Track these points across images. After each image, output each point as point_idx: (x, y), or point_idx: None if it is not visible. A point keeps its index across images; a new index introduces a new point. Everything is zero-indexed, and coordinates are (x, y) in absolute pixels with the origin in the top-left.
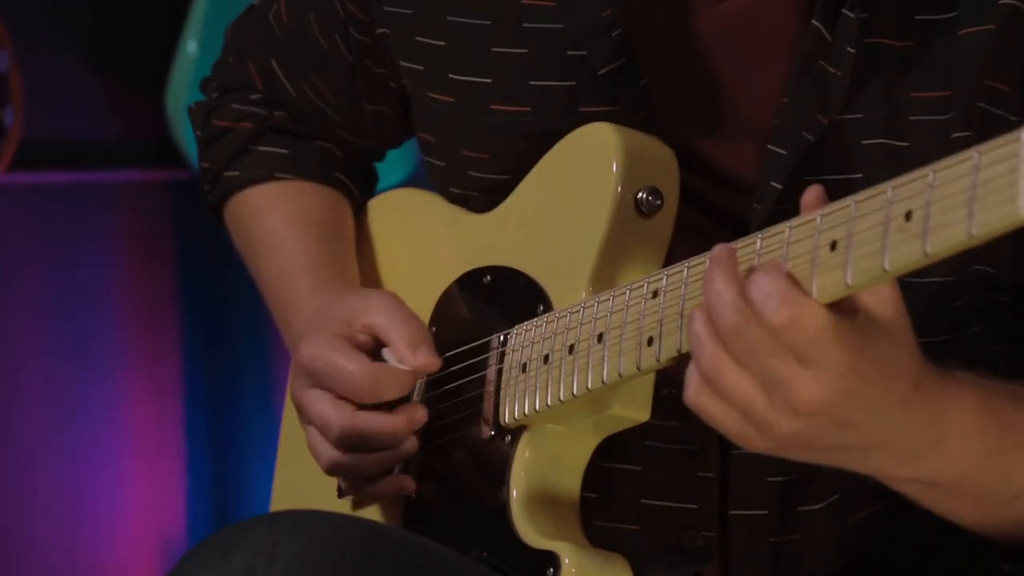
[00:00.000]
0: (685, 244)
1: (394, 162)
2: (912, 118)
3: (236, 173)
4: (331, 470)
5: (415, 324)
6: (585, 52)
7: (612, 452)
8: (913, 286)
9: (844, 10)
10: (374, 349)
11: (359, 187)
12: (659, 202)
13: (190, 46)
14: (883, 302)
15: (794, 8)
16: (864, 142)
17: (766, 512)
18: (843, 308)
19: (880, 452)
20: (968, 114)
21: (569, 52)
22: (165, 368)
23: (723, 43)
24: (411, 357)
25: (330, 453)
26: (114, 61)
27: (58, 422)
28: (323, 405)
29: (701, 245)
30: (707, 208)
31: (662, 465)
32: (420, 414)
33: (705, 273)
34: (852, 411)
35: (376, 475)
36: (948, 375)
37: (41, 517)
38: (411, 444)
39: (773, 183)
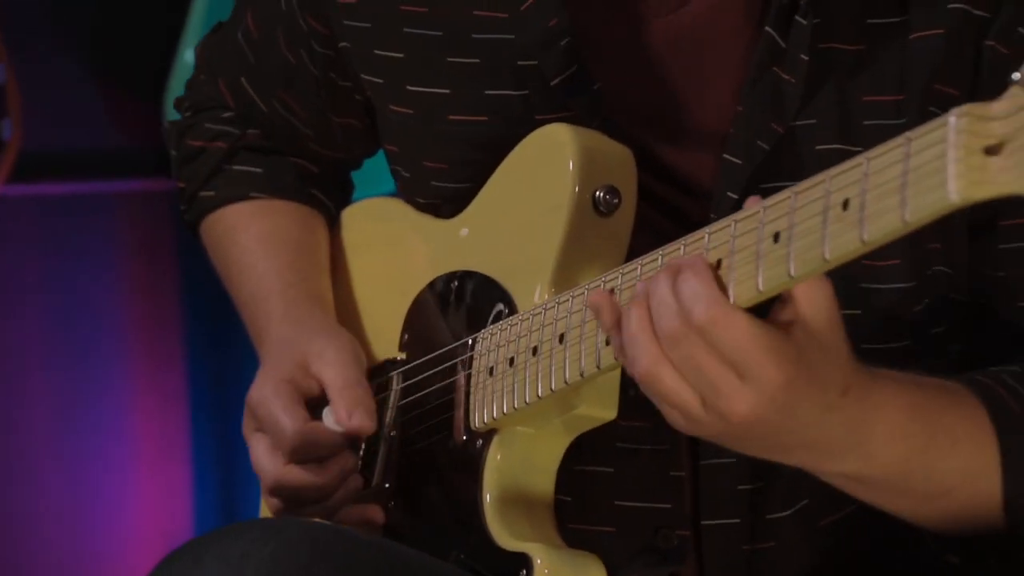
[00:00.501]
0: (646, 244)
1: (384, 172)
2: (866, 122)
3: (211, 193)
4: (276, 515)
5: (357, 387)
6: (536, 62)
7: (584, 454)
8: (873, 292)
9: (797, 16)
10: (320, 399)
11: (334, 201)
12: (617, 200)
13: (188, 55)
14: (817, 308)
15: (747, 16)
16: (818, 148)
17: (738, 520)
18: (780, 319)
19: (804, 451)
20: (920, 118)
21: (520, 62)
22: (169, 375)
23: (677, 52)
24: (345, 420)
25: (272, 500)
26: (112, 71)
27: (64, 431)
28: (260, 453)
29: (661, 242)
30: (667, 211)
31: (634, 466)
32: (351, 464)
33: (653, 276)
34: (781, 419)
35: (328, 513)
36: (878, 377)
37: (48, 525)
38: (354, 484)
39: (729, 193)
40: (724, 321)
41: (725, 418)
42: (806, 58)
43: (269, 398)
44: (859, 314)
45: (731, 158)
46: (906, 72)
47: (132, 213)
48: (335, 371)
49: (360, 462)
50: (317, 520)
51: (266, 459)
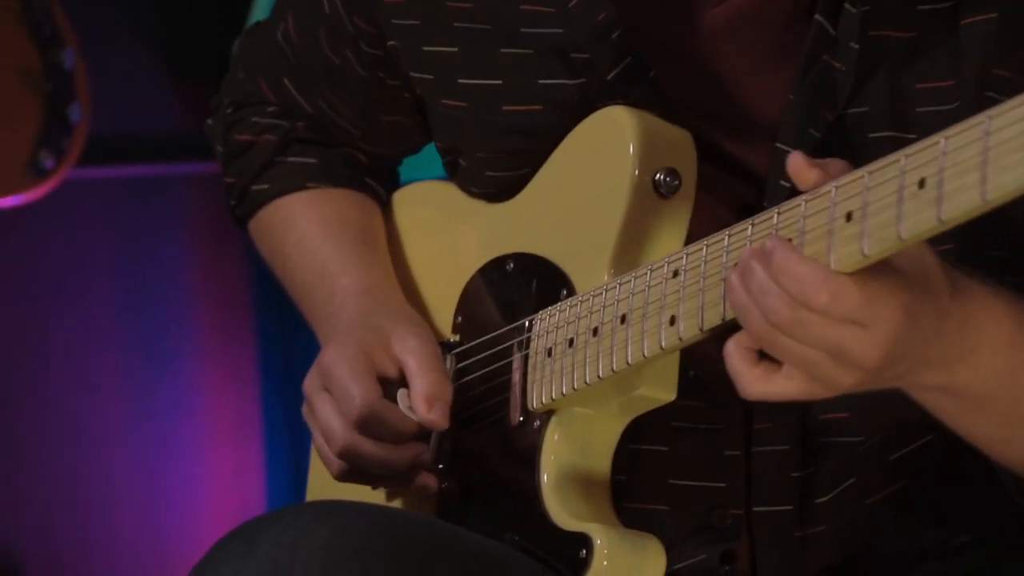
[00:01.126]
0: (703, 228)
1: (426, 160)
2: (919, 109)
3: (265, 186)
4: (339, 478)
5: (440, 380)
6: (589, 55)
7: (639, 433)
8: None
9: (846, 5)
10: (393, 382)
11: (386, 189)
12: (677, 183)
13: None
14: None
15: (797, 4)
16: (871, 135)
17: (790, 508)
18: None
19: (921, 369)
20: (976, 103)
21: (573, 55)
22: (240, 354)
23: (728, 41)
24: (423, 410)
25: (336, 463)
26: (179, 54)
27: (136, 412)
28: (329, 413)
29: (719, 228)
30: (722, 197)
31: (689, 445)
32: (425, 457)
33: (743, 273)
34: (909, 345)
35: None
36: (977, 280)
37: (122, 505)
38: (425, 476)
39: (782, 182)
40: (840, 295)
41: (860, 366)
42: (856, 46)
43: (343, 363)
44: None
45: (783, 147)
46: (959, 57)
47: (201, 195)
48: (417, 359)
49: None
50: (372, 503)
51: (336, 421)
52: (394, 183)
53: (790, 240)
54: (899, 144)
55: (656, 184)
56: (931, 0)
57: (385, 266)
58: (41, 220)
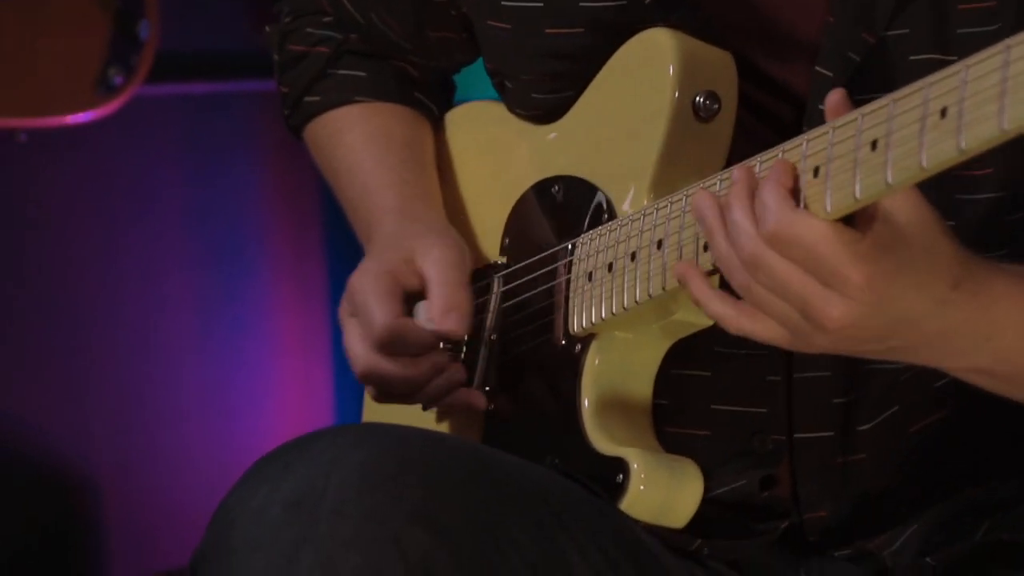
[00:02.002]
0: (744, 150)
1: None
2: (960, 31)
3: (316, 98)
4: (375, 399)
5: (458, 289)
6: None
7: (681, 358)
8: (968, 203)
9: None
10: (417, 294)
11: (437, 104)
12: (717, 106)
13: None
14: (904, 207)
15: None
16: (912, 58)
17: (831, 434)
18: (860, 219)
19: (928, 350)
20: (1017, 23)
21: None
22: (310, 271)
23: None
24: (439, 319)
25: (364, 383)
26: None
27: (205, 329)
28: (353, 338)
29: (760, 150)
30: (765, 118)
31: (730, 370)
32: (443, 361)
33: (725, 199)
34: (885, 321)
35: (429, 402)
36: (996, 269)
37: (190, 422)
38: (458, 377)
39: (820, 106)
40: (789, 228)
41: (823, 327)
42: None
43: (368, 286)
44: (954, 224)
45: (822, 70)
46: None
47: (270, 112)
48: (438, 269)
49: (453, 357)
50: (412, 427)
51: (357, 345)
52: (449, 96)
53: (817, 168)
54: (940, 67)
55: (696, 107)
56: None
57: (426, 182)
58: (111, 137)
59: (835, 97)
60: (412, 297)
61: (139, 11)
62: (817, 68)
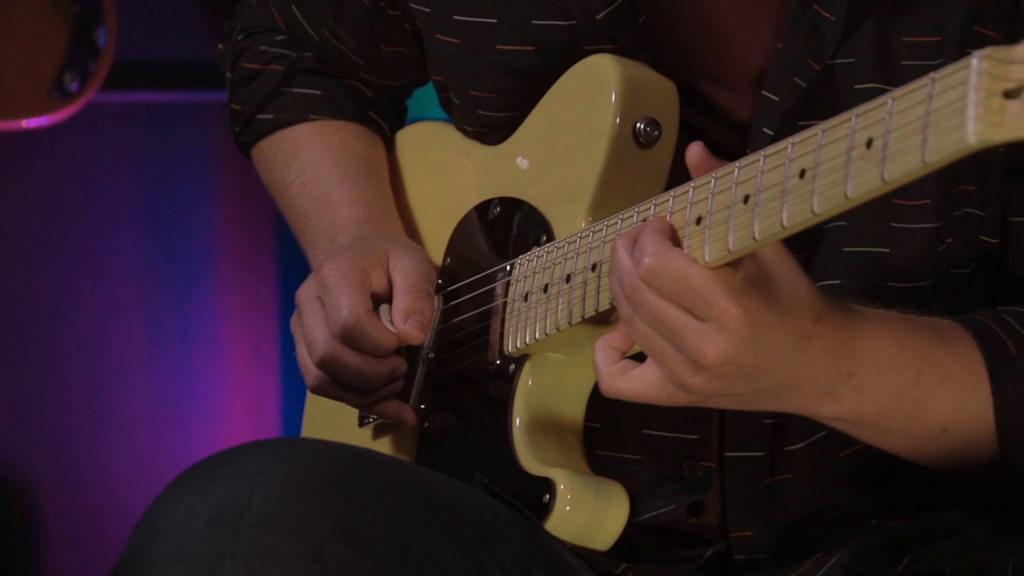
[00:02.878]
0: (686, 175)
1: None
2: (904, 63)
3: (270, 116)
4: (314, 390)
5: (422, 297)
6: None
7: None
8: (902, 231)
9: None
10: (385, 299)
11: (390, 124)
12: (657, 133)
13: None
14: (769, 246)
15: None
16: (856, 87)
17: (761, 454)
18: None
19: (796, 391)
20: (959, 59)
21: None
22: (262, 283)
23: None
24: (400, 322)
25: (313, 373)
26: None
27: (156, 339)
28: (315, 321)
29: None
30: (708, 144)
31: None
32: (402, 368)
33: (615, 243)
34: (757, 356)
35: (365, 408)
36: (855, 308)
37: (139, 434)
38: (393, 387)
39: (765, 129)
40: (663, 265)
41: (699, 364)
42: None
43: (341, 274)
44: (888, 252)
45: (769, 95)
46: (944, 13)
47: (226, 123)
48: (406, 277)
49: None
50: (338, 442)
51: (320, 331)
52: (401, 117)
53: (747, 196)
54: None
55: (636, 134)
56: None
57: (387, 199)
58: (65, 142)
59: (695, 150)
60: (377, 299)
61: (98, 18)
62: (764, 92)
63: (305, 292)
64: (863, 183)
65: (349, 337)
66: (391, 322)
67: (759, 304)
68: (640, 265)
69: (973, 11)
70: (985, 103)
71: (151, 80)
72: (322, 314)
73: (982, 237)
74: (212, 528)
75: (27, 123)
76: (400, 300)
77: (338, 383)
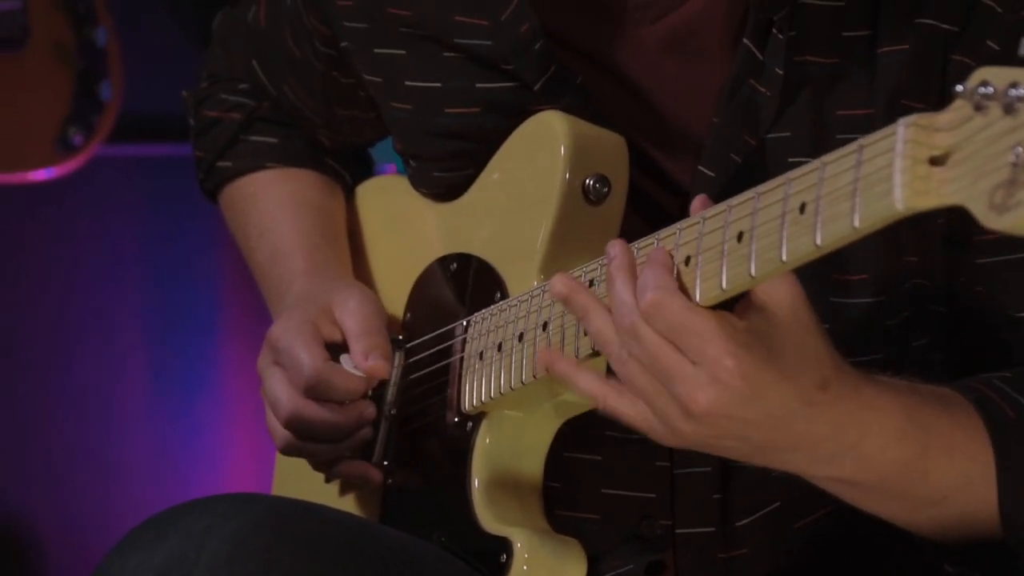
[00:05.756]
0: (634, 233)
1: None
2: (838, 136)
3: (228, 163)
4: (285, 451)
5: (376, 334)
6: (515, 67)
7: (573, 442)
8: (843, 306)
9: (774, 30)
10: (339, 347)
11: (351, 173)
12: (607, 189)
13: None
14: (778, 299)
15: (727, 29)
16: (791, 160)
17: (712, 529)
18: (738, 307)
19: (795, 453)
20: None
21: (503, 66)
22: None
23: (659, 59)
24: (362, 362)
25: (282, 433)
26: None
27: (159, 391)
28: (277, 384)
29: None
30: (649, 206)
31: (621, 455)
32: (369, 411)
33: (607, 273)
34: (751, 413)
35: (334, 460)
36: (866, 377)
37: (141, 482)
38: (364, 434)
39: None
40: (667, 304)
41: (689, 410)
42: (781, 72)
43: (291, 334)
44: (830, 328)
45: (704, 170)
46: (875, 86)
47: None
48: (356, 319)
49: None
50: (293, 499)
51: (283, 391)
52: (363, 165)
53: (688, 257)
54: None
55: (586, 190)
56: (853, 27)
57: (337, 248)
58: (69, 195)
59: (698, 202)
60: (332, 348)
61: (102, 72)
62: (700, 168)
63: (262, 362)
64: (797, 247)
65: (315, 390)
66: (355, 368)
67: (756, 359)
68: (643, 298)
69: (900, 84)
70: (911, 170)
71: (155, 133)
72: (282, 376)
73: (930, 307)
74: None
75: (32, 176)
76: (355, 344)
77: (307, 438)
